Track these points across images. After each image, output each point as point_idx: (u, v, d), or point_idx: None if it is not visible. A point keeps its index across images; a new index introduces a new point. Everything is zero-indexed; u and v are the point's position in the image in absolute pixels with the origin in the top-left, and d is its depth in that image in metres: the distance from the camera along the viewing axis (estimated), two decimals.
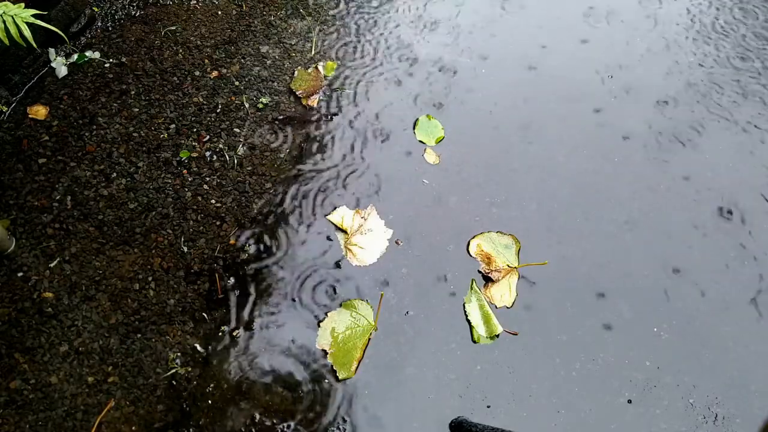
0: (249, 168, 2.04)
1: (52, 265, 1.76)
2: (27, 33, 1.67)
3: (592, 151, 2.17)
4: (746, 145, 2.20)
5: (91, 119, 2.08)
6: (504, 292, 1.80)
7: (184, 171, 2.00)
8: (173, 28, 2.41)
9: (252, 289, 1.78)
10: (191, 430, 1.53)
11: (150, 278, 1.76)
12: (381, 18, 2.59)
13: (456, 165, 2.11)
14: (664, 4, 2.71)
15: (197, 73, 2.28)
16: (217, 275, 1.79)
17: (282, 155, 2.09)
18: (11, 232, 1.79)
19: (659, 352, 1.71)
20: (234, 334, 1.69)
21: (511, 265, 1.86)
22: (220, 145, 2.08)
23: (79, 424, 1.52)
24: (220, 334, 1.69)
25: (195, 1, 2.52)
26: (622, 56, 2.49)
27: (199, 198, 1.95)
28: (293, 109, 2.22)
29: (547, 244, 1.92)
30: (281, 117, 2.19)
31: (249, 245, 1.86)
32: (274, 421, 1.56)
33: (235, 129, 2.13)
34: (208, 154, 2.06)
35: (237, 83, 2.26)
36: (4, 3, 1.67)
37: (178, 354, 1.64)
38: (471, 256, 1.88)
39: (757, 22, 2.55)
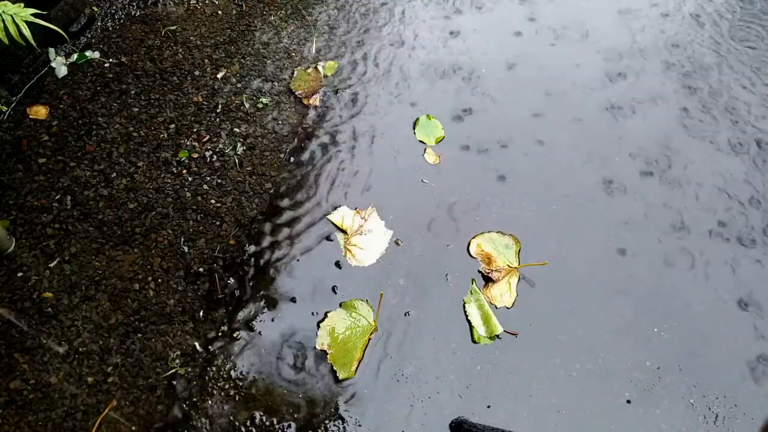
0: (249, 168, 2.03)
1: (52, 265, 1.76)
2: (26, 32, 1.67)
3: (593, 151, 2.16)
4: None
5: (91, 119, 2.08)
6: (504, 292, 1.80)
7: (184, 171, 2.00)
8: (173, 28, 2.40)
9: (252, 290, 1.77)
10: (191, 430, 1.53)
11: (150, 278, 1.76)
12: (382, 17, 2.59)
13: (456, 165, 2.10)
14: None
15: (197, 73, 2.27)
16: (216, 275, 1.79)
17: (282, 155, 2.08)
18: (11, 232, 1.79)
19: (659, 352, 1.71)
20: (234, 334, 1.69)
21: (511, 265, 1.86)
22: (220, 145, 2.08)
23: (79, 424, 1.51)
24: (220, 334, 1.69)
25: (195, 1, 2.52)
26: (629, 53, 2.50)
27: (199, 198, 1.94)
28: (293, 109, 2.22)
29: (547, 244, 1.92)
30: (281, 117, 2.19)
31: (249, 245, 1.86)
32: (274, 421, 1.56)
33: (235, 129, 2.13)
34: (208, 154, 2.05)
35: (237, 83, 2.26)
36: (3, 2, 1.67)
37: (178, 354, 1.64)
38: (471, 256, 1.88)
39: None
